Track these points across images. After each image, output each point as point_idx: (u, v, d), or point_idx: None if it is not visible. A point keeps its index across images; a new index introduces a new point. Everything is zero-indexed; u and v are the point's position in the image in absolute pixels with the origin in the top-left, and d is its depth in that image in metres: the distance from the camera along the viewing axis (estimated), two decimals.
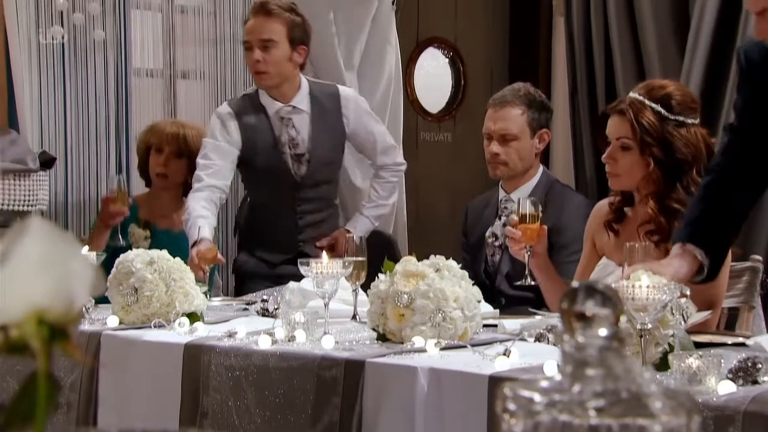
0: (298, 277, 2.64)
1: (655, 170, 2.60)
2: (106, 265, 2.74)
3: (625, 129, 2.63)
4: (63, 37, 3.89)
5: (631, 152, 2.63)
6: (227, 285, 4.16)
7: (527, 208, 2.74)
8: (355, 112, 3.72)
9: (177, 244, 3.52)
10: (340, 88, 3.82)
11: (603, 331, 0.73)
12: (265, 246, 3.69)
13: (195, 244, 3.25)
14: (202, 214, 3.39)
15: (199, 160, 3.56)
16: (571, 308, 0.74)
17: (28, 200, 3.63)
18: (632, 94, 2.67)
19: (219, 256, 3.24)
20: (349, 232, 3.67)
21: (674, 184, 2.62)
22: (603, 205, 2.86)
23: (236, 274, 3.88)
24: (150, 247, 3.61)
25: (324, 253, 2.46)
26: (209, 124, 3.72)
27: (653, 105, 2.61)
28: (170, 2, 4.23)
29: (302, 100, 3.64)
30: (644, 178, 2.64)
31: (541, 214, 2.76)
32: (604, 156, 2.71)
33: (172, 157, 3.74)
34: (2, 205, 3.56)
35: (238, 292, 3.75)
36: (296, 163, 3.65)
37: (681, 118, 2.61)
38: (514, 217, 2.75)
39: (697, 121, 2.65)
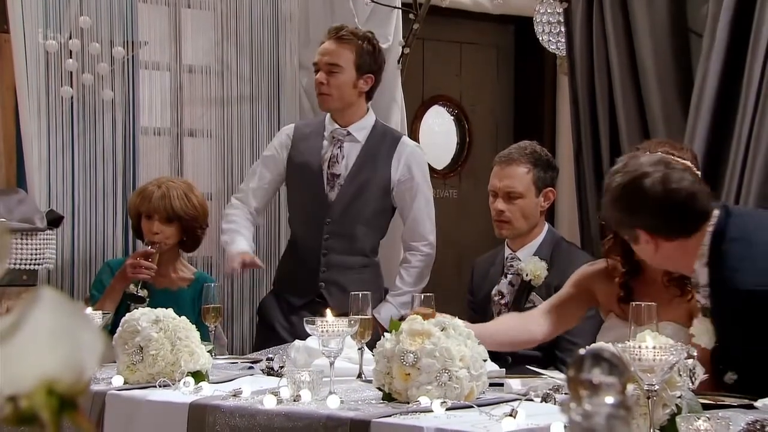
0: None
1: None
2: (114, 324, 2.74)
3: None
4: (72, 97, 3.94)
5: None
6: (251, 328, 4.17)
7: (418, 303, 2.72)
8: (406, 162, 3.66)
9: (175, 302, 3.57)
10: (405, 137, 3.81)
11: (610, 399, 0.73)
12: (288, 282, 3.70)
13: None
14: (242, 231, 3.70)
15: (252, 172, 3.82)
16: (578, 376, 0.74)
17: (35, 259, 3.64)
18: (664, 152, 2.68)
19: (257, 260, 3.67)
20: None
21: None
22: (601, 263, 2.87)
23: (259, 317, 3.88)
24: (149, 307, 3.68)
25: (329, 311, 2.46)
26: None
27: (685, 161, 2.64)
28: (178, 62, 4.28)
29: (360, 130, 3.67)
30: None
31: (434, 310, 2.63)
32: None
33: (163, 223, 3.75)
34: (9, 263, 3.56)
35: (258, 344, 3.70)
36: (329, 184, 3.64)
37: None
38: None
39: None
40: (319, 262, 3.63)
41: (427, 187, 3.74)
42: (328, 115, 3.71)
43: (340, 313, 3.46)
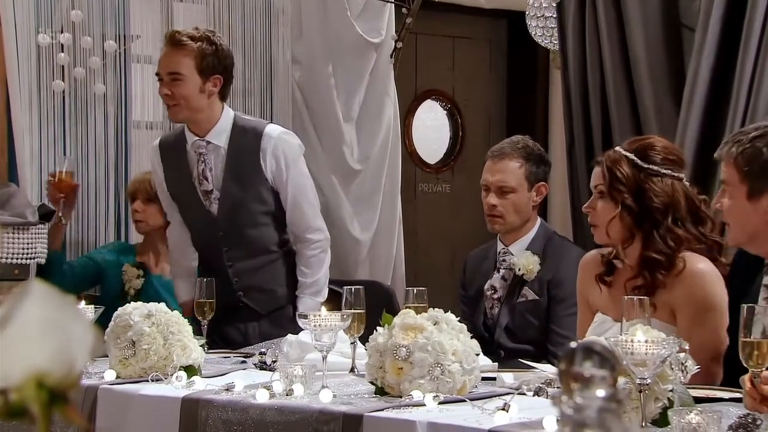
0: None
1: (623, 214, 2.63)
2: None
3: (600, 177, 2.69)
4: (63, 91, 3.93)
5: (605, 199, 2.68)
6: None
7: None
8: (273, 153, 3.45)
9: (168, 287, 3.66)
10: (267, 126, 3.52)
11: (601, 392, 0.73)
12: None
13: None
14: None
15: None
16: (569, 369, 0.74)
17: (27, 253, 3.63)
18: (615, 148, 2.73)
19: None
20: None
21: (650, 233, 2.63)
22: (589, 259, 2.85)
23: None
24: (142, 287, 3.73)
25: (322, 306, 2.46)
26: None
27: (628, 155, 2.65)
28: None
29: (219, 135, 3.44)
30: (617, 225, 2.66)
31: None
32: (584, 206, 2.76)
33: (144, 203, 3.84)
34: (1, 257, 3.57)
35: None
36: (207, 201, 3.46)
37: (655, 168, 2.63)
38: None
39: (678, 174, 2.66)
40: (228, 275, 3.47)
41: (299, 173, 3.51)
42: (186, 126, 3.49)
43: (268, 311, 3.49)
